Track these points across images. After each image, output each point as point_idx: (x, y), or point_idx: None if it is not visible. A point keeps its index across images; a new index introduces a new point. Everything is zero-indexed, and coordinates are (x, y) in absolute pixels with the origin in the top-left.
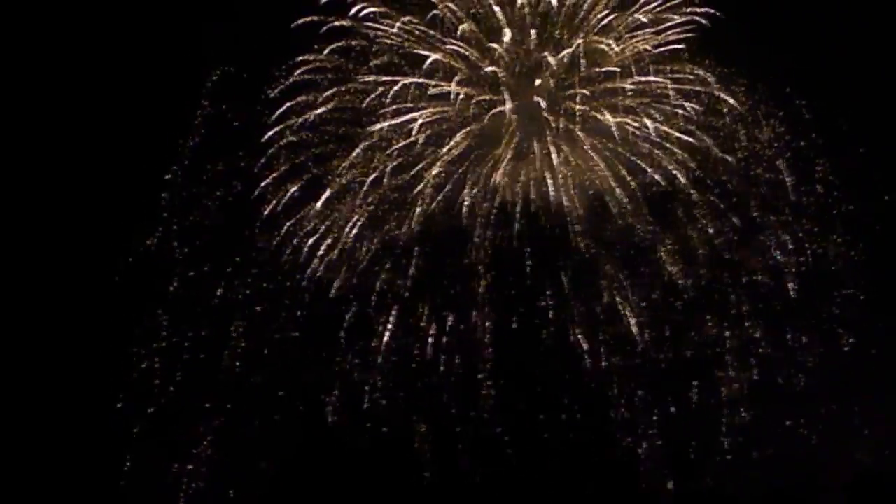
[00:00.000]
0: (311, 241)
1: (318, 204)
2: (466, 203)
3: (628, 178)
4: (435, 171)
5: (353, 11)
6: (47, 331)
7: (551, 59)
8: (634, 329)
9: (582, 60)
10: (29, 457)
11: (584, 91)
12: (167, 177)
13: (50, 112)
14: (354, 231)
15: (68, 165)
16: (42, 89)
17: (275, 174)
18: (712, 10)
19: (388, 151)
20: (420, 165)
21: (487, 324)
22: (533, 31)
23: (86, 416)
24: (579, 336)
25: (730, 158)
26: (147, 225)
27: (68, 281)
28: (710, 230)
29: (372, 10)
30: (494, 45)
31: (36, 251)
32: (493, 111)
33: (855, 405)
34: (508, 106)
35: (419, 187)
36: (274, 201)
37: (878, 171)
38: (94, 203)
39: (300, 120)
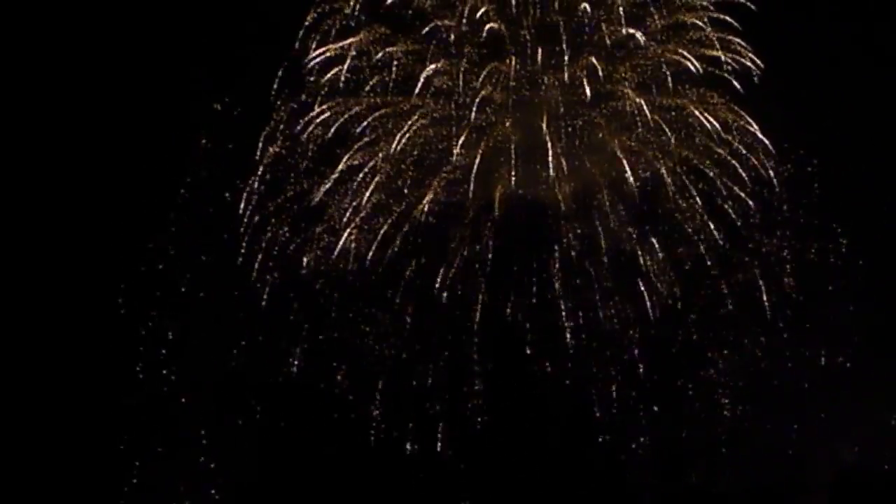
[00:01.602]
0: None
1: (318, 229)
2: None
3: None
4: (432, 195)
5: (356, 37)
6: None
7: (554, 80)
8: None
9: (585, 81)
10: (34, 459)
11: (590, 112)
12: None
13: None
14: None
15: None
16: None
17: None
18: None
19: (381, 176)
20: (419, 188)
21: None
22: (539, 50)
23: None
24: (567, 335)
25: (738, 190)
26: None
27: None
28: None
29: (375, 33)
30: (498, 65)
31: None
32: (495, 132)
33: (839, 404)
34: (509, 126)
35: (423, 203)
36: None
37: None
38: (101, 218)
39: (302, 148)
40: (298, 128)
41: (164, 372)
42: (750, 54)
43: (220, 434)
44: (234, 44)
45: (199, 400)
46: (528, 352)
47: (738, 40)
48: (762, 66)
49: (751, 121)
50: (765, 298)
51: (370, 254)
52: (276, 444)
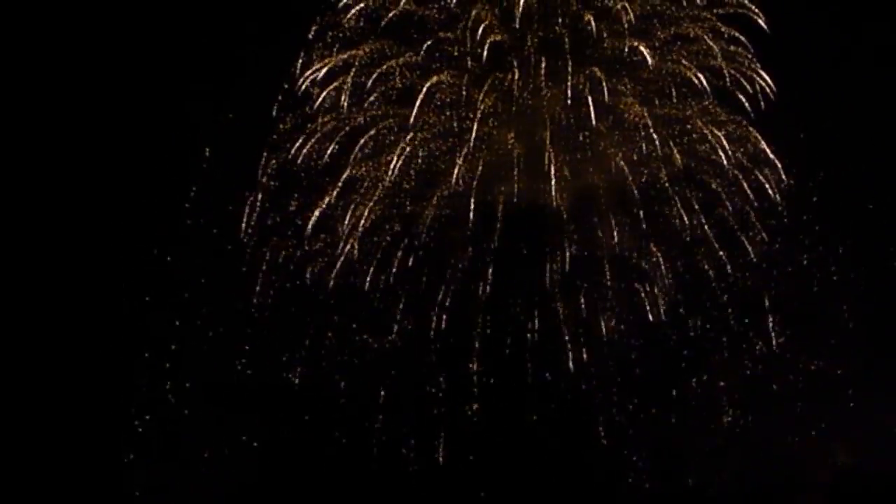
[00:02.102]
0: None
1: (321, 241)
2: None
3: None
4: (434, 206)
5: (359, 49)
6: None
7: (557, 91)
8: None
9: (588, 93)
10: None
11: (593, 123)
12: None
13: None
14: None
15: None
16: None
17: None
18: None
19: (382, 187)
20: (422, 200)
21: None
22: (542, 62)
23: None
24: (566, 337)
25: (739, 200)
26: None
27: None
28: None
29: (377, 46)
30: (501, 77)
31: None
32: (497, 143)
33: (836, 406)
34: (512, 138)
35: (425, 215)
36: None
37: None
38: (106, 228)
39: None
40: (301, 140)
41: (168, 384)
42: (755, 67)
43: (223, 443)
44: (238, 56)
45: (201, 410)
46: (528, 357)
47: (744, 52)
48: (767, 78)
49: (754, 132)
50: (766, 303)
51: (372, 265)
52: (279, 452)
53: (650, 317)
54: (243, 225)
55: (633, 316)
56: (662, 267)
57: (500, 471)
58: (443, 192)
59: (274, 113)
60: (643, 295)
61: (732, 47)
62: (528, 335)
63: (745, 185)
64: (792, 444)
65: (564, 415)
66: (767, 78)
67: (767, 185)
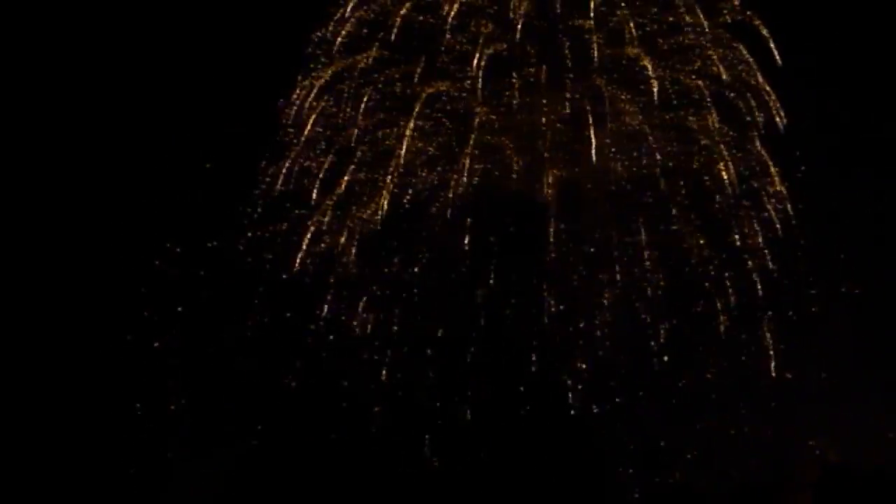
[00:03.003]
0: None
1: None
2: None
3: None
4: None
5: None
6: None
7: (557, 102)
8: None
9: (588, 101)
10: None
11: (592, 131)
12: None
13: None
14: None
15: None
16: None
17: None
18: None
19: (378, 202)
20: (420, 206)
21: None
22: (543, 71)
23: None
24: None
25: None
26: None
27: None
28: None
29: (378, 54)
30: (501, 86)
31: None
32: (495, 155)
33: (823, 404)
34: (510, 150)
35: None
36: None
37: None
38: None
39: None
40: (297, 152)
41: (168, 397)
42: (757, 76)
43: (221, 446)
44: (237, 67)
45: (199, 417)
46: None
47: (746, 63)
48: (769, 89)
49: (756, 143)
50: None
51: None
52: (275, 458)
53: (644, 317)
54: (241, 237)
55: (627, 318)
56: (658, 274)
57: (490, 472)
58: (441, 203)
59: (272, 124)
60: (637, 304)
61: (734, 58)
62: (525, 340)
63: (744, 196)
64: (779, 442)
65: (557, 417)
66: (769, 89)
67: (766, 196)
